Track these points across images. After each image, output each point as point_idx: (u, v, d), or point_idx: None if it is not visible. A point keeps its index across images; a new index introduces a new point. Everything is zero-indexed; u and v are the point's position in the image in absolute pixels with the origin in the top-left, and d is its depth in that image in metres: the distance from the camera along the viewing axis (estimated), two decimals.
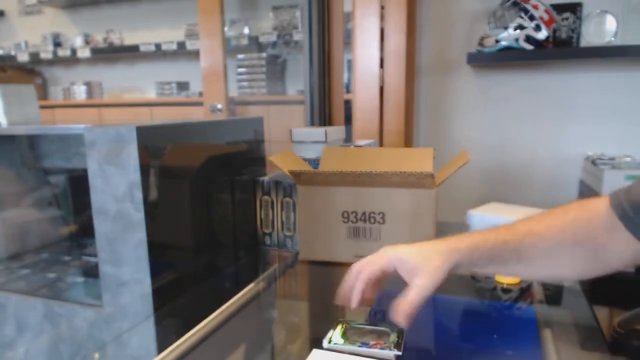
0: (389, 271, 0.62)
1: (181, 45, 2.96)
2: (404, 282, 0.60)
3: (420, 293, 0.58)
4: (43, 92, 3.62)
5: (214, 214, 0.96)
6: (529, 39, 1.74)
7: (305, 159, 1.11)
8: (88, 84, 3.36)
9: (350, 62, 1.80)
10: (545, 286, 0.85)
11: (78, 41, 3.34)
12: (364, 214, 0.94)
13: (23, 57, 3.45)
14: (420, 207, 0.90)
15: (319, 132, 1.14)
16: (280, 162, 0.98)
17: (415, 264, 0.59)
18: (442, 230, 0.91)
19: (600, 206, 0.58)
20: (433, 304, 0.82)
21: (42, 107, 1.37)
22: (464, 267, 0.61)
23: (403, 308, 0.57)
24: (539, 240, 0.60)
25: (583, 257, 0.59)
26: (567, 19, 1.83)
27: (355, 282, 0.63)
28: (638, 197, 0.54)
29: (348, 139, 1.47)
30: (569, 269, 0.62)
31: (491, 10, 1.88)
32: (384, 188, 0.91)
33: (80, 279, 1.05)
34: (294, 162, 1.04)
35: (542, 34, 1.73)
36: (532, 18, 1.72)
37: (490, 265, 0.62)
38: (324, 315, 0.81)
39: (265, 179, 1.08)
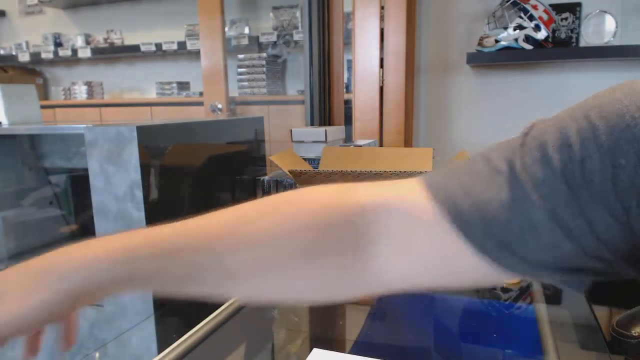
0: None
1: (181, 45, 2.97)
2: None
3: None
4: (44, 92, 3.62)
5: None
6: (528, 39, 1.74)
7: (305, 159, 1.11)
8: (89, 84, 3.36)
9: (350, 62, 1.80)
10: (545, 286, 0.86)
11: (79, 41, 3.35)
12: None
13: (24, 57, 3.45)
14: None
15: (319, 132, 1.14)
16: (281, 161, 0.98)
17: None
18: None
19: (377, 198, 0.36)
20: (433, 303, 0.82)
21: (43, 106, 1.37)
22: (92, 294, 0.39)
23: None
24: (247, 247, 0.36)
25: (334, 272, 0.36)
26: (566, 19, 1.83)
27: None
28: (482, 196, 0.31)
29: (348, 138, 1.48)
30: (303, 290, 0.38)
31: (491, 10, 1.88)
32: None
33: None
34: (294, 162, 1.04)
35: (542, 34, 1.73)
36: (531, 18, 1.73)
37: (149, 285, 0.38)
38: (324, 314, 0.81)
39: (266, 178, 1.08)
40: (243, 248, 0.36)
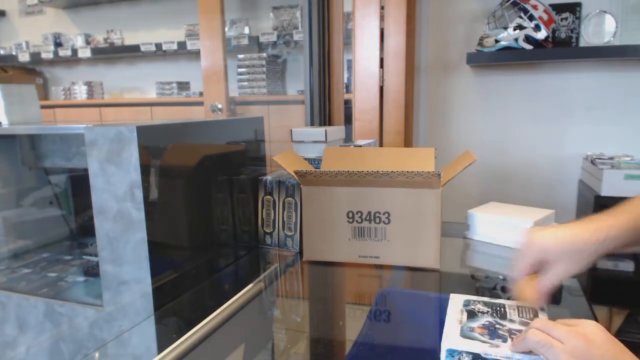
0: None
1: (181, 45, 2.97)
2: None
3: (557, 276, 0.57)
4: (44, 92, 3.62)
5: (215, 214, 0.96)
6: (528, 39, 1.75)
7: (305, 159, 1.11)
8: (89, 84, 3.36)
9: (350, 62, 1.80)
10: None
11: (79, 41, 3.35)
12: (369, 214, 0.93)
13: (24, 57, 3.45)
14: (425, 207, 0.90)
15: (319, 132, 1.14)
16: (284, 162, 0.98)
17: (559, 251, 0.59)
18: (444, 230, 0.91)
19: None
20: (432, 303, 0.82)
21: (43, 107, 1.37)
22: (617, 245, 0.58)
23: (538, 288, 0.57)
24: None
25: None
26: (566, 19, 1.83)
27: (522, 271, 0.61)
28: None
29: (348, 138, 1.48)
30: None
31: (491, 10, 1.88)
32: (389, 188, 0.91)
33: (81, 278, 1.05)
34: (297, 162, 1.04)
35: (542, 34, 1.73)
36: (531, 18, 1.73)
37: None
38: (325, 315, 0.81)
39: (269, 178, 1.08)
40: None
